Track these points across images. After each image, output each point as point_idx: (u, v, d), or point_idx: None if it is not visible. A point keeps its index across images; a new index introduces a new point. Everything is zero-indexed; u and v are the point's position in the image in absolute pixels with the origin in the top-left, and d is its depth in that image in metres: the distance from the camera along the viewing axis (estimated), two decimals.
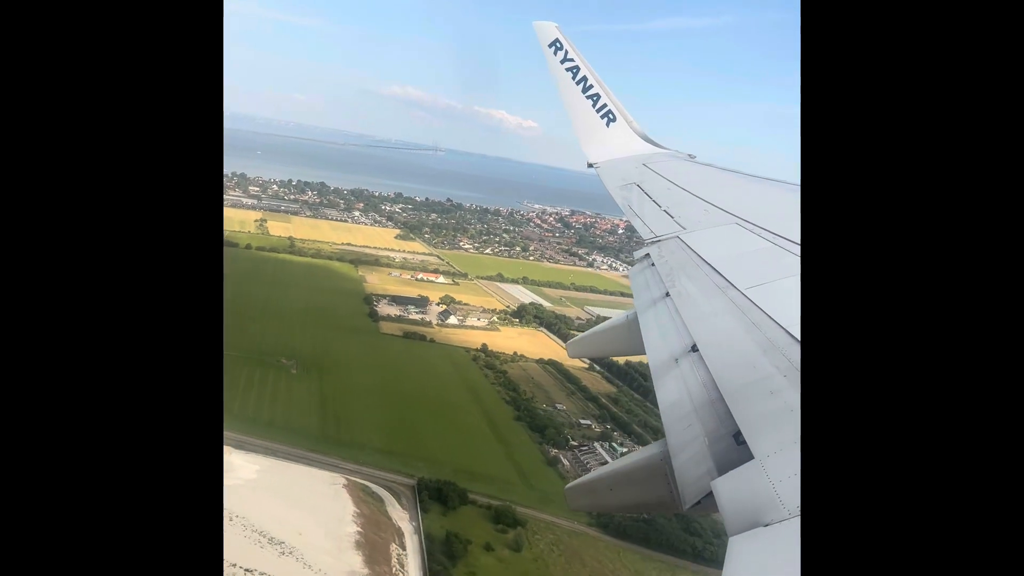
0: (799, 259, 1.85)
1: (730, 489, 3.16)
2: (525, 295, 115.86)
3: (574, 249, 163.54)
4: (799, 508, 2.54)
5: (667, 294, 6.17)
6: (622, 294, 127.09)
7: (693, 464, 3.82)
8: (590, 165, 13.03)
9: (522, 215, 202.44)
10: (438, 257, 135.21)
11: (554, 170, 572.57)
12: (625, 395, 77.45)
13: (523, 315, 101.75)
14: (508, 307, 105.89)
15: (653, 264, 7.19)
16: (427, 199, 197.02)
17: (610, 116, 13.45)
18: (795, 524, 2.41)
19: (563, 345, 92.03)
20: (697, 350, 4.75)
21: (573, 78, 13.48)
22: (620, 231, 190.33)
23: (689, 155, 13.03)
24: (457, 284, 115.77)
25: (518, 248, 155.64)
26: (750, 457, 3.26)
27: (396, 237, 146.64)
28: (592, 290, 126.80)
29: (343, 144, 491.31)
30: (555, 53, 13.55)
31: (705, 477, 3.58)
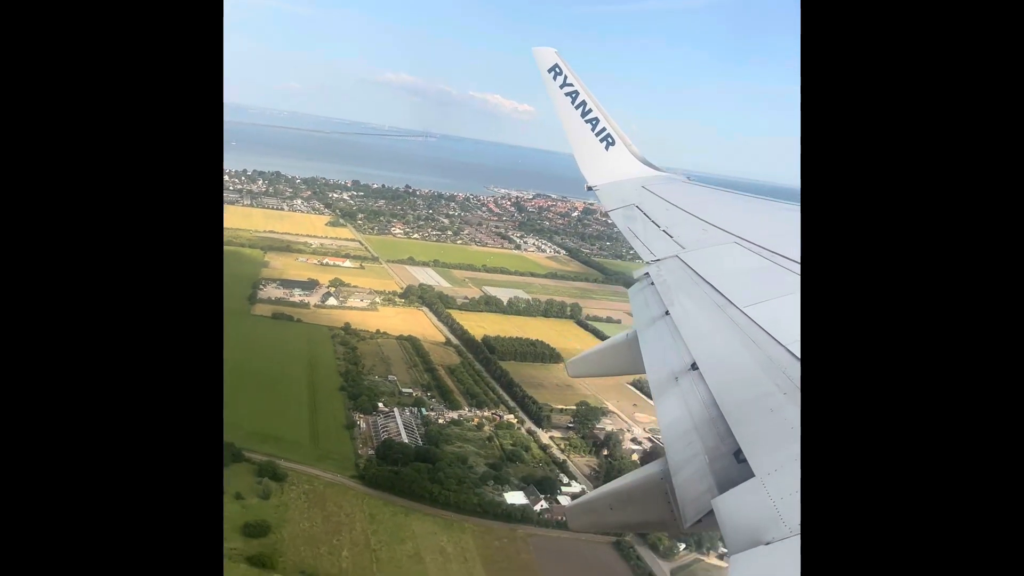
0: (798, 277, 1.83)
1: (731, 507, 3.18)
2: (428, 277, 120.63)
3: (507, 232, 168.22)
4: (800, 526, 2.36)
5: (667, 313, 6.24)
6: (532, 274, 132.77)
7: (693, 482, 3.84)
8: (589, 188, 13.48)
9: (478, 200, 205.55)
10: (360, 243, 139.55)
11: (548, 154, 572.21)
12: (466, 367, 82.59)
13: (408, 295, 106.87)
14: (400, 288, 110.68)
15: (652, 283, 7.32)
16: (383, 186, 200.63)
17: (609, 140, 13.70)
18: (796, 542, 2.24)
19: (435, 323, 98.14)
20: (697, 368, 4.79)
21: (572, 103, 13.77)
22: (575, 213, 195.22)
23: (687, 177, 13.71)
24: (363, 268, 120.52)
25: (450, 232, 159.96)
26: (751, 475, 3.28)
27: (327, 224, 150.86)
28: (502, 271, 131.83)
29: (329, 132, 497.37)
30: (554, 78, 13.84)
31: (706, 495, 3.59)
